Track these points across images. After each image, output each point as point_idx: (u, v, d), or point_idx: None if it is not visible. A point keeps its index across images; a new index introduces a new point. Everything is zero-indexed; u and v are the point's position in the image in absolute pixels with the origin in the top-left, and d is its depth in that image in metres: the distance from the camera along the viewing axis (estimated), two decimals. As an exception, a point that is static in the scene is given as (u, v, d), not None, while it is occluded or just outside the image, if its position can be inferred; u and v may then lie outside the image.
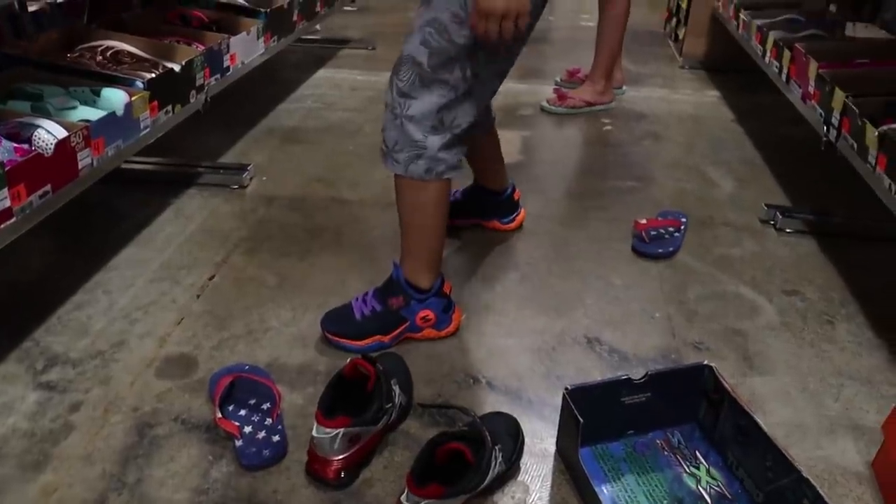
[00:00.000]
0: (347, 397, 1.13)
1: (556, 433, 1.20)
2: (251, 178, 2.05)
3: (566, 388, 1.11)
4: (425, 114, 1.25)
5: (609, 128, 2.53)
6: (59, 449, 1.17)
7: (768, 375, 1.36)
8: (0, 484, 1.11)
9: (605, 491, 1.09)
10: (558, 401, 1.26)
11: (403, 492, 0.99)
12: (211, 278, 1.61)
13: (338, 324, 1.41)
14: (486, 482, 1.05)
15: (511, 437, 1.15)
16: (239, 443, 1.16)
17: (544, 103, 2.61)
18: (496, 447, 1.08)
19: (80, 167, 1.41)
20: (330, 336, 1.40)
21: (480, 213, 1.81)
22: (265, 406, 1.23)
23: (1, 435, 1.20)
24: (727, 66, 3.07)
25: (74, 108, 1.53)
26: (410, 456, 1.16)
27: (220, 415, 1.19)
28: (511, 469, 1.13)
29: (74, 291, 1.55)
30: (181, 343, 1.41)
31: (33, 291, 1.57)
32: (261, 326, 1.46)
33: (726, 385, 1.12)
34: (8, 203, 1.24)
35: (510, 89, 2.79)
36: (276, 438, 1.17)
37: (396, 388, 1.19)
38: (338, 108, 2.59)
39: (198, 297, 1.54)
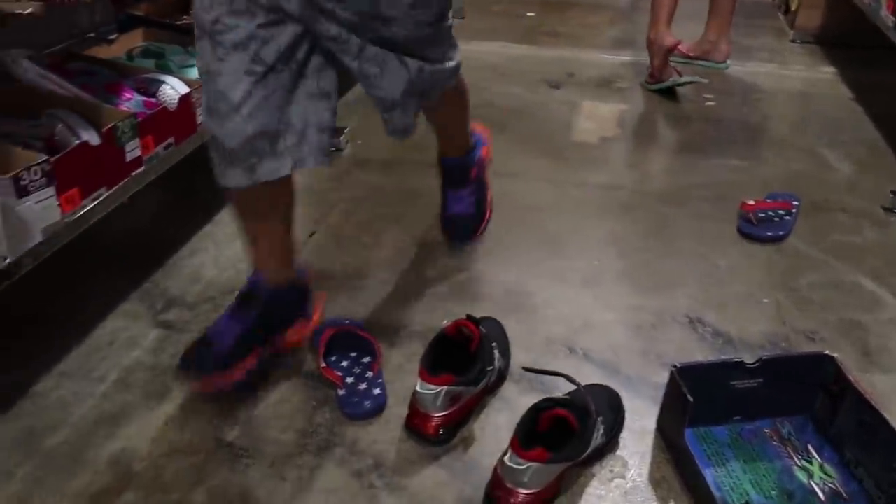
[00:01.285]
0: (449, 356, 1.14)
1: (655, 411, 1.18)
2: (347, 142, 2.08)
3: (674, 366, 1.09)
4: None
5: (712, 103, 2.43)
6: (177, 383, 1.23)
7: (892, 373, 1.30)
8: (127, 410, 1.19)
9: (709, 474, 1.07)
10: (657, 379, 1.25)
11: (507, 453, 0.99)
12: (311, 235, 1.64)
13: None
14: (587, 452, 1.05)
15: (612, 410, 1.14)
16: (341, 392, 1.19)
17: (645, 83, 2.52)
18: (598, 418, 1.07)
19: (198, 122, 1.46)
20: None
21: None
22: (366, 360, 1.25)
23: (127, 366, 1.27)
24: (844, 41, 2.89)
25: (193, 66, 1.58)
26: (506, 419, 1.17)
27: (323, 364, 1.23)
28: (610, 443, 1.12)
29: (187, 240, 1.61)
30: (284, 294, 1.45)
31: (152, 238, 1.64)
32: (359, 284, 1.49)
33: (850, 378, 1.07)
34: (139, 152, 1.30)
35: (604, 60, 2.73)
36: (376, 391, 1.19)
37: (496, 352, 1.20)
38: (430, 76, 2.59)
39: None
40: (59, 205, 1.20)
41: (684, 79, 2.40)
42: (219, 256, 1.56)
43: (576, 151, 2.06)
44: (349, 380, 1.21)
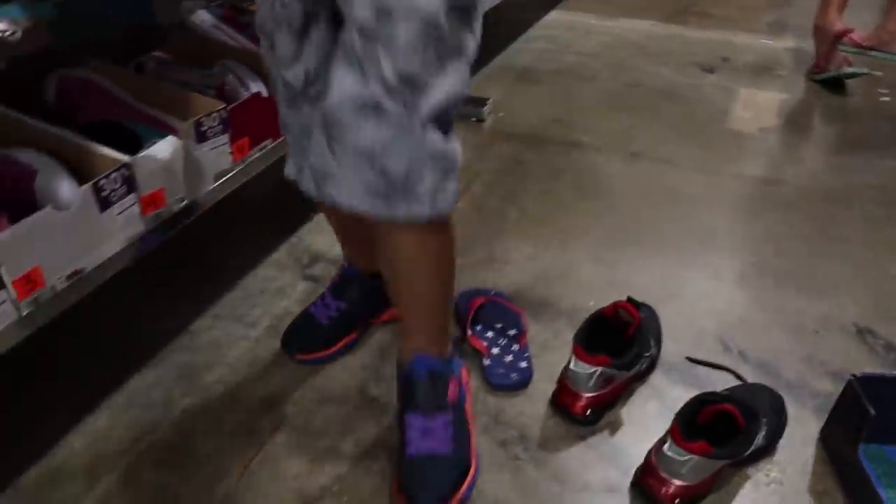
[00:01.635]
0: (602, 337, 1.11)
1: (816, 419, 1.11)
2: (489, 113, 2.06)
3: (854, 375, 1.01)
4: (447, 103, 0.79)
5: (886, 98, 2.24)
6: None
7: None
8: (278, 357, 1.23)
9: (883, 496, 0.99)
10: (820, 387, 1.17)
11: (665, 442, 0.95)
12: (456, 203, 1.64)
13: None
14: (748, 452, 1.00)
15: (775, 412, 1.07)
16: (487, 362, 1.18)
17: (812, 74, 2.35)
18: (764, 419, 1.01)
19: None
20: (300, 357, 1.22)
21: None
22: (512, 332, 1.24)
23: (277, 314, 1.32)
24: None
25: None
26: (655, 409, 1.13)
27: (470, 332, 1.23)
28: (769, 447, 1.06)
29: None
30: (430, 259, 1.46)
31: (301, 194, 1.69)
32: (502, 256, 1.48)
33: None
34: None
35: (762, 45, 2.57)
36: (523, 364, 1.18)
37: (651, 339, 1.16)
38: (571, 51, 2.52)
39: (444, 218, 1.59)
40: (231, 153, 1.25)
41: (854, 69, 2.22)
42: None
43: (731, 141, 1.95)
44: (495, 350, 1.20)
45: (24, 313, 0.89)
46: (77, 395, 1.16)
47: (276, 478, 1.04)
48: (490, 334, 1.23)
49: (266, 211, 1.64)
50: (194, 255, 1.49)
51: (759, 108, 2.14)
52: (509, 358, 1.19)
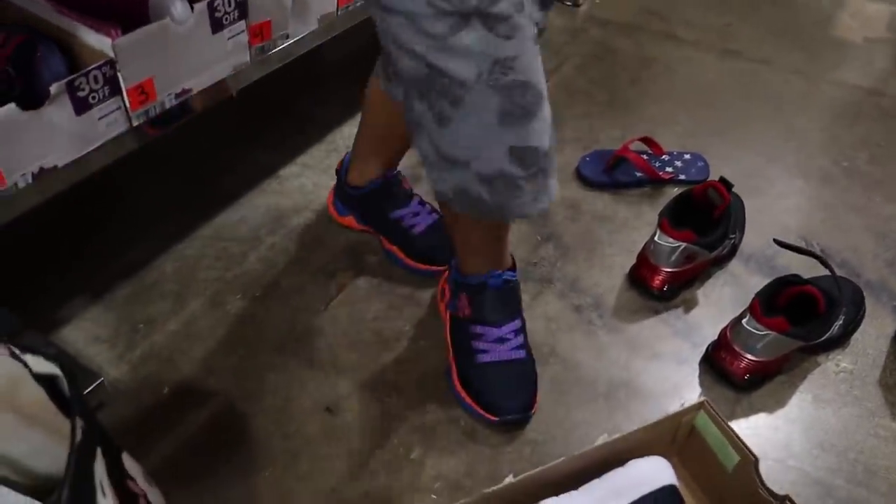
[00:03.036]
0: (689, 217, 1.11)
1: (894, 321, 1.11)
2: (584, -1, 1.99)
3: (942, 273, 1.00)
4: None
5: None
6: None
7: None
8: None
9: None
10: (901, 290, 1.17)
11: (744, 317, 0.97)
12: (544, 82, 1.63)
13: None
14: (824, 338, 1.01)
15: (855, 305, 1.08)
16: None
17: None
18: (843, 308, 1.02)
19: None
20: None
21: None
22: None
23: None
24: None
25: None
26: (731, 293, 1.15)
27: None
28: (843, 338, 1.07)
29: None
30: (515, 132, 1.46)
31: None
32: (589, 136, 1.47)
33: None
34: None
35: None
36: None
37: (736, 225, 1.15)
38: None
39: (531, 95, 1.58)
40: (338, -5, 1.23)
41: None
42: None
43: (834, 48, 1.86)
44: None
45: (135, 125, 0.92)
46: (168, 224, 1.22)
47: (355, 317, 1.09)
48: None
49: (358, 68, 1.64)
50: (287, 101, 1.52)
51: (867, 17, 2.02)
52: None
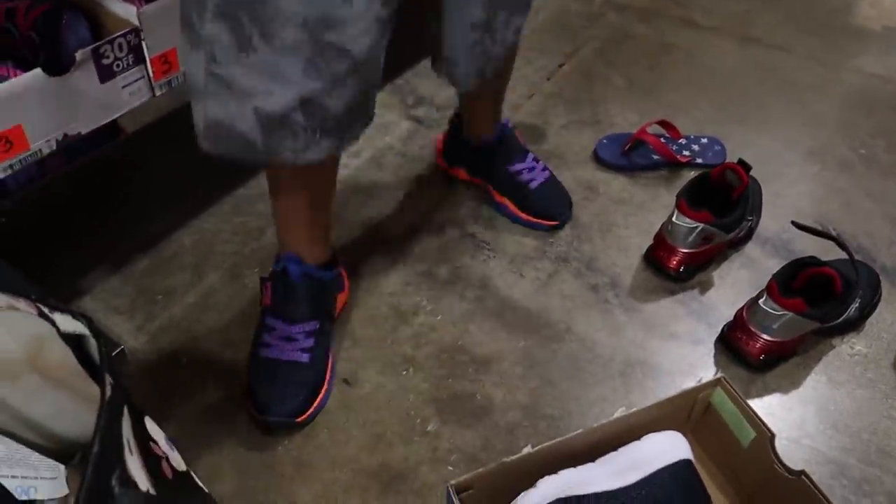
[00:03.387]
0: (707, 198, 1.11)
1: (909, 305, 1.11)
2: (601, -16, 1.98)
3: (961, 257, 1.00)
4: None
5: None
6: (424, 169, 1.31)
7: None
8: (379, 186, 1.29)
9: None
10: (919, 276, 1.17)
11: (760, 297, 0.97)
12: (560, 66, 1.62)
13: None
14: (839, 320, 1.01)
15: (871, 289, 1.08)
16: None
17: None
18: (860, 291, 1.02)
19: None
20: None
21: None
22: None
23: (380, 148, 1.36)
24: None
25: None
26: (747, 276, 1.15)
27: (570, 183, 1.25)
28: (859, 320, 1.07)
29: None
30: (532, 115, 1.46)
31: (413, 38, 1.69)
32: (607, 119, 1.47)
33: None
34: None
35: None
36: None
37: (753, 208, 1.15)
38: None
39: (548, 79, 1.57)
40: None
41: None
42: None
43: (853, 37, 1.85)
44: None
45: (157, 93, 0.92)
46: (187, 198, 1.23)
47: (372, 292, 1.10)
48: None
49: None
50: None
51: (886, 6, 2.00)
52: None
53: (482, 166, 1.23)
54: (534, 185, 1.20)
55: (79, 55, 0.78)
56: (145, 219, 1.19)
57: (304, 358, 0.93)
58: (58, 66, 0.78)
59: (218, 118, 0.76)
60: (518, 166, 1.21)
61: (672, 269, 1.11)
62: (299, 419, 0.91)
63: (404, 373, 0.99)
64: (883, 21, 1.93)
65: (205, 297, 1.07)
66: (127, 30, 0.81)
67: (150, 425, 0.70)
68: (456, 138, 1.24)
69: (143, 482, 0.55)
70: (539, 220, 1.20)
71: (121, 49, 0.81)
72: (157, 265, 1.12)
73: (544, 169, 1.24)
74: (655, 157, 1.34)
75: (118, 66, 0.82)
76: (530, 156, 1.23)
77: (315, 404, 0.93)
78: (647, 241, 1.16)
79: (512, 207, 1.21)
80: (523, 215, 1.20)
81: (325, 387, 0.95)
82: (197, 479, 0.75)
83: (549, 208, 1.20)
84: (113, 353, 0.92)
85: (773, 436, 0.77)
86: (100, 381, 0.53)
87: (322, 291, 0.97)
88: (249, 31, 0.70)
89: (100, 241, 1.15)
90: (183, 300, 1.07)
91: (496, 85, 1.15)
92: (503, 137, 1.20)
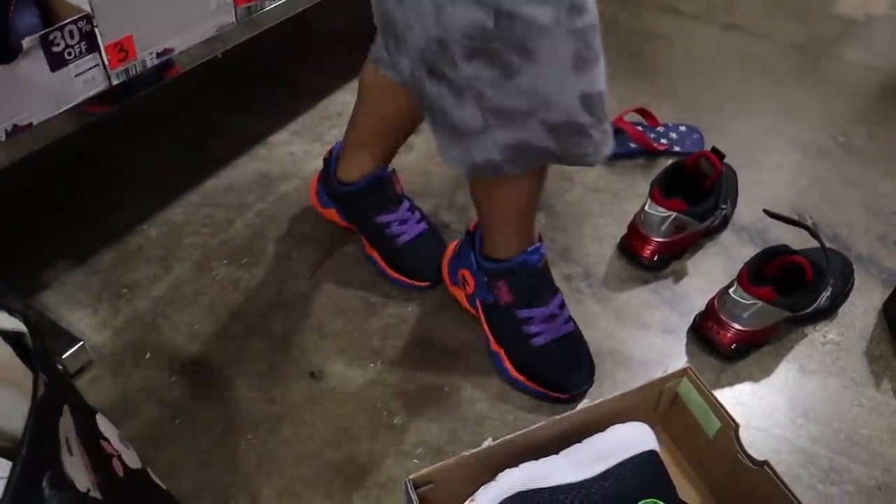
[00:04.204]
0: (680, 187, 1.10)
1: (882, 293, 1.10)
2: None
3: (933, 245, 0.99)
4: None
5: None
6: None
7: None
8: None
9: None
10: (891, 263, 1.16)
11: (731, 286, 0.97)
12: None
13: None
14: (810, 309, 1.00)
15: (843, 277, 1.07)
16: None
17: None
18: (831, 280, 1.01)
19: None
20: None
21: None
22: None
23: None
24: None
25: None
26: (721, 264, 1.14)
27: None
28: (831, 309, 1.06)
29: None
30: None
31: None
32: (584, 108, 1.45)
33: None
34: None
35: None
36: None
37: (727, 196, 1.14)
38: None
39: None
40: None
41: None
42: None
43: (834, 24, 1.83)
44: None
45: (114, 82, 0.90)
46: (154, 189, 1.21)
47: (343, 284, 1.08)
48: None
49: (355, 34, 1.61)
50: (278, 67, 1.50)
51: (870, -8, 2.00)
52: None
53: (351, 211, 1.12)
54: (401, 240, 1.08)
55: (26, 42, 0.75)
56: (111, 210, 1.17)
57: (572, 327, 0.97)
58: (5, 53, 0.76)
59: (511, 143, 0.75)
60: (387, 217, 1.08)
61: (646, 259, 1.10)
62: (593, 382, 0.96)
63: (372, 365, 0.97)
64: (865, 9, 1.92)
65: (171, 290, 1.06)
66: (78, 16, 0.79)
67: (102, 422, 0.69)
68: (329, 179, 1.12)
69: (84, 483, 0.54)
70: (408, 281, 1.08)
71: (72, 36, 0.79)
72: (122, 258, 1.10)
73: (419, 221, 1.11)
74: (633, 145, 1.32)
75: (70, 53, 0.80)
76: (404, 205, 1.10)
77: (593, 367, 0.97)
78: (623, 231, 1.15)
79: (380, 262, 1.09)
80: (390, 272, 1.08)
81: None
82: (154, 477, 0.73)
83: (417, 266, 1.08)
84: (72, 350, 0.91)
85: (737, 426, 0.76)
86: (34, 379, 0.51)
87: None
88: (508, 57, 0.68)
89: (63, 233, 1.13)
90: (148, 293, 1.05)
91: None
92: (376, 180, 1.07)
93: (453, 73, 0.71)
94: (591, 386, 0.96)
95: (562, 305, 0.96)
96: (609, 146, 0.79)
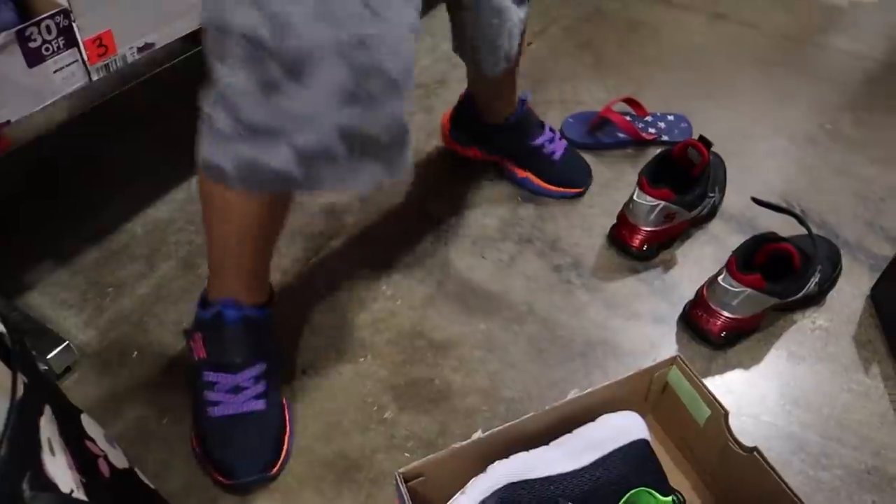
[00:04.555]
0: (669, 175, 1.09)
1: (870, 278, 1.10)
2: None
3: (918, 230, 0.99)
4: None
5: None
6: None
7: None
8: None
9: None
10: (878, 250, 1.17)
11: (720, 274, 0.96)
12: (529, 44, 1.60)
13: None
14: (799, 295, 1.00)
15: (831, 263, 1.07)
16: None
17: None
18: (818, 266, 1.01)
19: None
20: None
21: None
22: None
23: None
24: None
25: None
26: (711, 253, 1.14)
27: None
28: (819, 295, 1.06)
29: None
30: (496, 94, 1.44)
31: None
32: (573, 98, 1.45)
33: None
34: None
35: None
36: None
37: (716, 185, 1.14)
38: None
39: (513, 57, 1.55)
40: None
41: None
42: (434, 48, 1.55)
43: (821, 12, 1.83)
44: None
45: (94, 78, 0.88)
46: (140, 186, 1.20)
47: (331, 278, 1.08)
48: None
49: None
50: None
51: None
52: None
53: (503, 143, 1.22)
54: (556, 156, 1.22)
55: (1, 38, 0.74)
56: (96, 209, 1.16)
57: (260, 405, 0.84)
58: (-18, 51, 0.75)
59: (249, 158, 0.69)
60: (539, 140, 1.21)
61: (635, 248, 1.09)
62: (272, 471, 0.83)
63: (362, 360, 0.97)
64: (851, -4, 1.92)
65: (157, 288, 1.05)
66: (55, 10, 0.78)
67: (88, 423, 0.68)
68: (467, 119, 1.22)
69: (67, 483, 0.53)
70: (565, 189, 1.22)
71: (49, 31, 0.78)
72: (107, 256, 1.09)
73: (561, 139, 1.25)
74: (621, 135, 1.32)
75: (47, 49, 0.79)
76: (547, 127, 1.23)
77: (284, 452, 0.84)
78: (612, 220, 1.14)
79: (536, 180, 1.21)
80: (550, 187, 1.21)
81: (288, 429, 0.87)
82: (142, 477, 0.72)
83: (572, 177, 1.23)
84: (56, 350, 0.90)
85: (726, 413, 0.76)
86: (12, 378, 0.51)
87: (262, 330, 0.86)
88: (274, 73, 0.65)
89: (48, 232, 1.12)
90: (134, 292, 1.04)
91: (516, 62, 1.11)
92: (523, 112, 1.18)
93: (218, 74, 0.67)
94: (263, 478, 0.83)
95: (258, 378, 0.85)
96: (363, 182, 0.73)
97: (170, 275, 1.07)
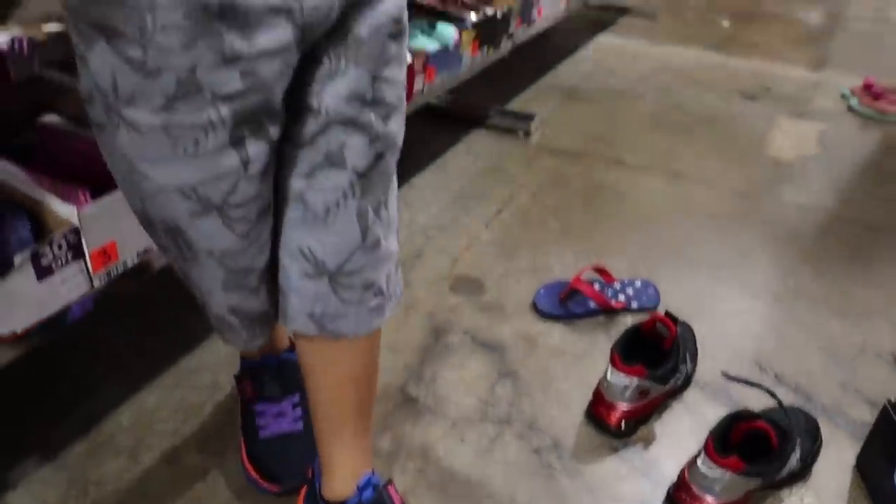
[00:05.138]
0: (639, 351, 1.12)
1: (852, 446, 1.11)
2: (536, 129, 2.08)
3: (889, 400, 1.01)
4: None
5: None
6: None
7: None
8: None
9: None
10: (856, 414, 1.18)
11: (699, 456, 0.97)
12: (498, 212, 1.67)
13: None
14: (781, 474, 1.00)
15: (810, 436, 1.08)
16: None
17: (852, 101, 2.34)
18: (797, 440, 1.02)
19: (414, 90, 1.51)
20: None
21: None
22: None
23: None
24: None
25: (414, 37, 1.63)
26: (689, 425, 1.14)
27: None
28: (803, 471, 1.06)
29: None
30: (471, 266, 1.49)
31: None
32: (544, 265, 1.50)
33: None
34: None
35: (804, 77, 2.56)
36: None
37: (687, 355, 1.17)
38: (618, 74, 2.54)
39: (486, 226, 1.62)
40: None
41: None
42: (412, 221, 1.62)
43: (770, 167, 1.95)
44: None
45: (96, 285, 0.93)
46: (130, 372, 1.21)
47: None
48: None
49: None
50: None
51: (798, 136, 2.14)
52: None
53: None
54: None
55: (17, 259, 0.78)
56: (84, 396, 1.15)
57: (300, 427, 1.05)
58: (-1, 269, 0.78)
59: (216, 313, 0.86)
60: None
61: (614, 426, 1.10)
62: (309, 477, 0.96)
63: None
64: (797, 151, 2.05)
65: (140, 484, 1.03)
66: (67, 229, 0.83)
67: None
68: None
69: None
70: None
71: (59, 247, 0.83)
72: (92, 449, 1.07)
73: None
74: (592, 304, 1.36)
75: (56, 264, 0.83)
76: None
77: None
78: (588, 394, 1.15)
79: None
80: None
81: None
82: None
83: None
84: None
85: None
86: None
87: (295, 368, 1.04)
88: (184, 250, 0.75)
89: (36, 423, 1.11)
90: (117, 487, 1.02)
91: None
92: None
93: (156, 236, 0.77)
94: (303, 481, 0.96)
95: (296, 405, 1.07)
96: (261, 341, 0.91)
97: (153, 470, 1.05)
